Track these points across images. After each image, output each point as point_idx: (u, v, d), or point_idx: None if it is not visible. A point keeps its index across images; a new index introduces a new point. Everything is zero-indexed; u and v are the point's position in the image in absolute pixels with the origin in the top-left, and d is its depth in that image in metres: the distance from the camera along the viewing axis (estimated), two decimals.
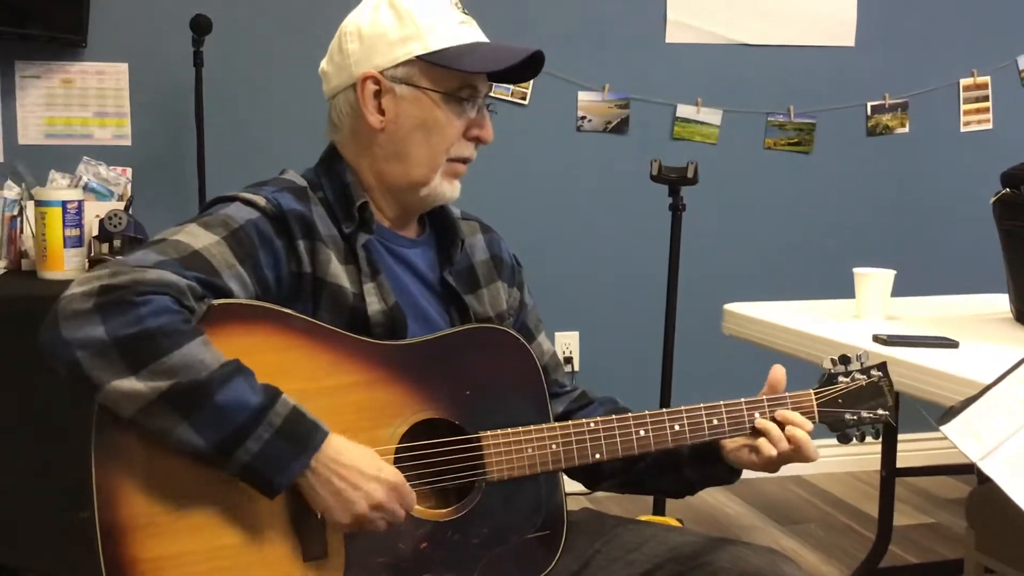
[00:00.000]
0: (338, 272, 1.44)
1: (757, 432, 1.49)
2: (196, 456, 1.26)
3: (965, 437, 1.36)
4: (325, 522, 1.34)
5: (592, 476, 1.62)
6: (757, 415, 1.50)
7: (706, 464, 1.55)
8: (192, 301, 1.29)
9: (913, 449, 3.40)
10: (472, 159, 1.54)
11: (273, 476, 1.27)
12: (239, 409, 1.25)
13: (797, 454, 1.49)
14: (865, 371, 1.57)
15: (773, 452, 1.47)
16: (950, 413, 1.40)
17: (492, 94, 1.56)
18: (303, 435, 1.28)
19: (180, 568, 1.28)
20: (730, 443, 1.52)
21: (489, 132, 1.52)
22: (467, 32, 1.49)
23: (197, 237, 1.36)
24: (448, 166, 1.51)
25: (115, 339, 1.22)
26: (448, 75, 1.47)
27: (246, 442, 1.25)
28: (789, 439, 1.48)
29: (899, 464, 2.94)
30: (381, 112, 1.48)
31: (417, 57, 1.46)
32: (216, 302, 1.33)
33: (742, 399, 1.51)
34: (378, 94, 1.48)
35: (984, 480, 1.42)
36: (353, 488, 1.30)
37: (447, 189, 1.52)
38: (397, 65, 1.47)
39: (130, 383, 1.22)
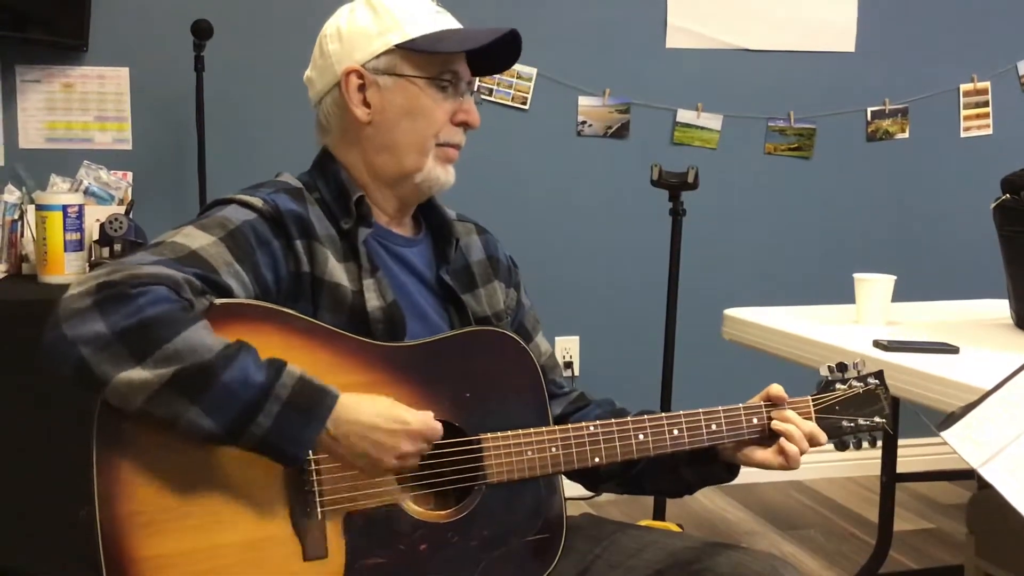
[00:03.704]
0: (336, 270, 1.45)
1: (773, 434, 1.50)
2: (208, 439, 1.26)
3: (965, 443, 1.37)
4: (326, 522, 1.34)
5: (591, 478, 1.63)
6: (756, 420, 1.51)
7: (703, 465, 1.56)
8: (190, 294, 1.29)
9: (913, 455, 3.41)
10: (462, 145, 1.55)
11: (288, 448, 1.28)
12: (245, 387, 1.25)
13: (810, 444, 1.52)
14: (862, 379, 1.58)
15: (795, 449, 1.48)
16: (950, 419, 1.40)
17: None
18: (312, 403, 1.29)
19: (181, 566, 1.28)
20: (739, 447, 1.52)
21: (475, 116, 1.53)
22: (443, 20, 1.52)
23: (194, 238, 1.37)
24: (439, 151, 1.52)
25: (116, 332, 1.23)
26: (429, 60, 1.49)
27: (257, 418, 1.25)
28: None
29: (899, 470, 2.94)
30: (367, 105, 1.50)
31: (396, 46, 1.48)
32: (218, 301, 1.33)
33: (740, 404, 1.52)
34: (362, 87, 1.50)
35: (984, 486, 1.42)
36: (378, 448, 1.32)
37: (441, 173, 1.53)
38: (378, 56, 1.49)
39: (136, 373, 1.22)
